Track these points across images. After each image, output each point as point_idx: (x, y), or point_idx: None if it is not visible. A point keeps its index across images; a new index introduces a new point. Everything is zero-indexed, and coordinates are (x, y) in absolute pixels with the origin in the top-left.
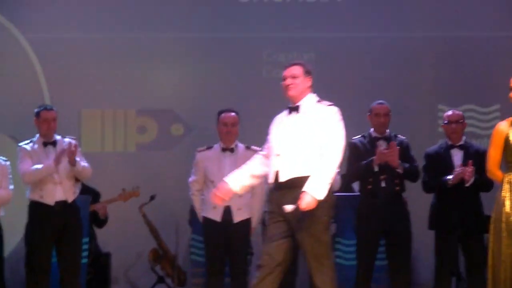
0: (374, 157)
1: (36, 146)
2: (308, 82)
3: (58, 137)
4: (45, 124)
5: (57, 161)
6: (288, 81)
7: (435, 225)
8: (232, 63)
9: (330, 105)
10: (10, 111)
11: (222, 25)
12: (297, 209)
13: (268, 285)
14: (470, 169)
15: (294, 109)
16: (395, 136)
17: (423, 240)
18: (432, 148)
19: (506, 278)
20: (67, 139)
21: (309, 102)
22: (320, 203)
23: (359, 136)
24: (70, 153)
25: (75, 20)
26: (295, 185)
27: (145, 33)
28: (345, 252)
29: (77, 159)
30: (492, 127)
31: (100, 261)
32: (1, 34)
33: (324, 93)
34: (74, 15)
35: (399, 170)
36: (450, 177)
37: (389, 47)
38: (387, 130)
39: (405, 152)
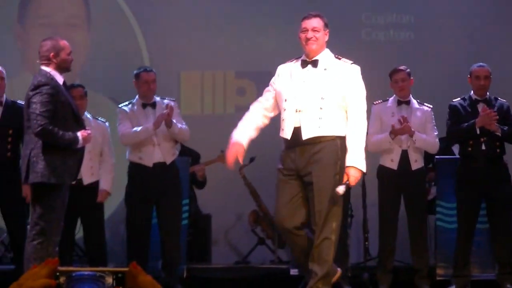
0: (476, 120)
1: (135, 107)
2: (326, 36)
3: (157, 99)
4: (144, 85)
5: (157, 124)
6: (310, 34)
7: None
8: (330, 25)
9: (352, 63)
10: (109, 73)
11: None
12: (347, 186)
13: (304, 240)
14: None
15: (311, 63)
16: (496, 99)
17: None
18: None
19: None
20: (166, 101)
21: (327, 57)
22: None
23: (459, 98)
24: (166, 115)
25: None
26: (315, 142)
27: None
28: (445, 215)
29: (174, 121)
30: None
31: (200, 223)
32: None
33: (422, 55)
34: None
35: (498, 133)
36: None
37: (490, 9)
38: (487, 93)
39: (505, 114)
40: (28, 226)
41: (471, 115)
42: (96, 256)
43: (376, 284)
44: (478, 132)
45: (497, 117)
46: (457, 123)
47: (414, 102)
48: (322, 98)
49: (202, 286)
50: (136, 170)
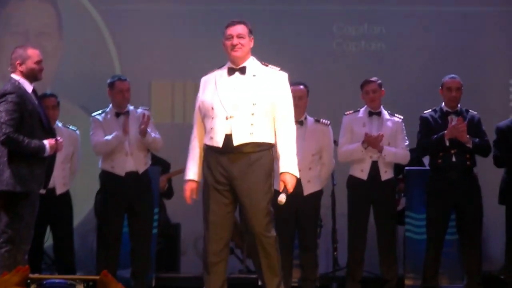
0: (445, 132)
1: (108, 116)
2: (251, 42)
3: (131, 108)
4: (119, 94)
5: (125, 130)
6: (235, 40)
7: (506, 199)
8: (302, 35)
9: (280, 70)
10: (81, 82)
11: None
12: (286, 193)
13: (223, 267)
14: None
15: (238, 70)
16: (467, 111)
17: (494, 214)
18: (504, 122)
19: None
20: (140, 110)
21: (254, 64)
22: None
23: (430, 110)
24: (142, 124)
25: None
26: (248, 151)
27: (216, 5)
28: (415, 226)
29: (148, 130)
30: None
31: (170, 232)
32: (73, 6)
33: (393, 66)
34: None
35: (469, 145)
36: None
37: (460, 21)
38: (459, 105)
39: (476, 127)
40: None
41: (442, 126)
42: (65, 265)
43: None
44: (447, 144)
45: (465, 128)
46: (427, 135)
47: (385, 113)
48: (254, 104)
49: None
50: (108, 179)
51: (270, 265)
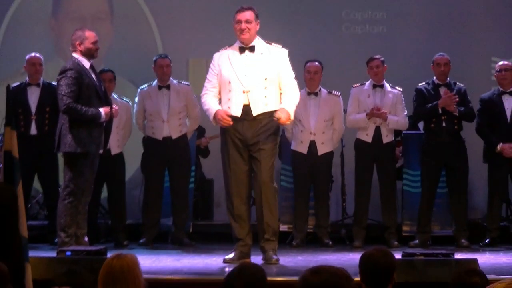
0: (438, 101)
1: (152, 88)
2: (258, 26)
3: (174, 82)
4: (159, 70)
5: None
6: (243, 25)
7: (488, 158)
8: (316, 20)
9: (282, 47)
10: (129, 59)
11: None
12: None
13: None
14: None
15: (248, 49)
16: (454, 83)
17: (478, 171)
18: (486, 94)
19: None
20: (182, 84)
21: (260, 43)
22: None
23: (424, 83)
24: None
25: None
26: (265, 117)
27: None
28: (411, 181)
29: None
30: None
31: (205, 186)
32: None
33: (393, 46)
34: None
35: (455, 113)
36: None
37: (450, 9)
38: (448, 78)
39: (463, 96)
40: (60, 188)
41: (434, 97)
42: (117, 214)
43: (352, 238)
44: (440, 111)
45: (457, 99)
46: (422, 104)
47: (387, 86)
48: (266, 78)
49: (205, 239)
50: (149, 142)
51: (271, 210)
